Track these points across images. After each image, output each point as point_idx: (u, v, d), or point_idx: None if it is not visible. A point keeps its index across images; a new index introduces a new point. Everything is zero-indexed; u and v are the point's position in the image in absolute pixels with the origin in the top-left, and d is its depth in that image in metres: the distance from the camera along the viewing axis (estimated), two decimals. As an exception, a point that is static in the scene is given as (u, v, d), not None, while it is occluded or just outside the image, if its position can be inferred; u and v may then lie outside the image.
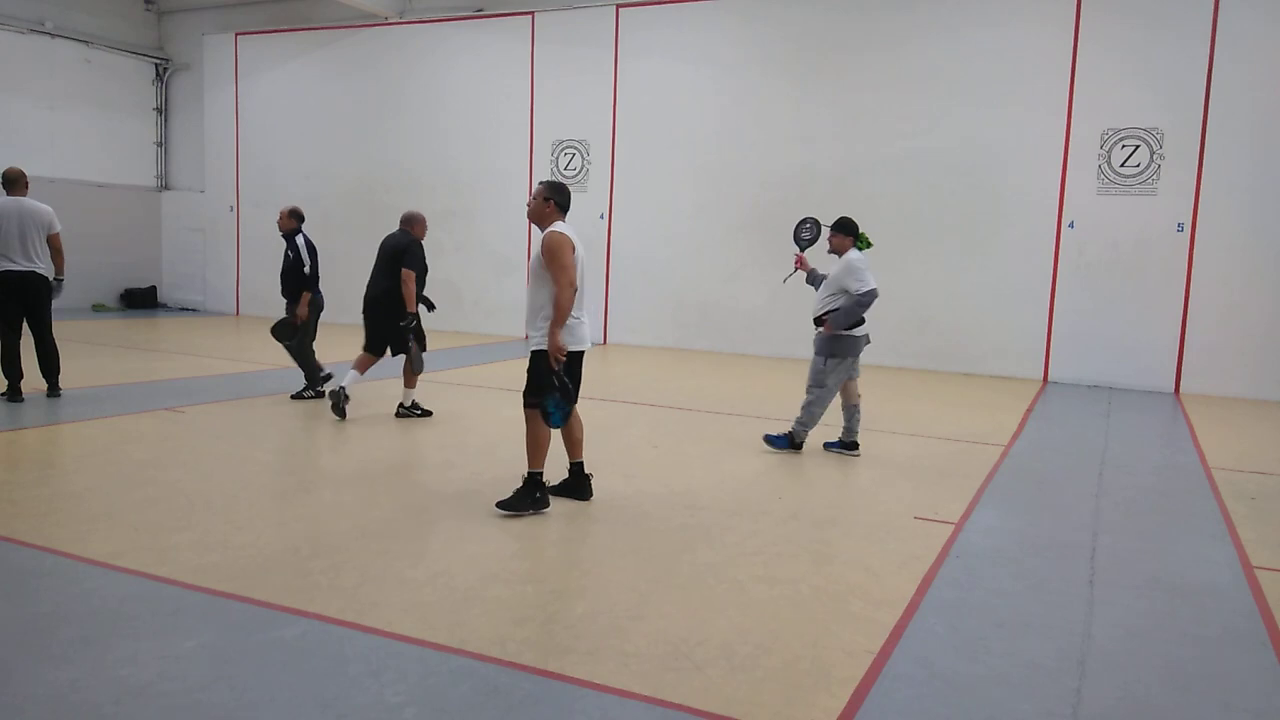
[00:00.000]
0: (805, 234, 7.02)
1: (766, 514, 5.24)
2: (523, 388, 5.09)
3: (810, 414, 6.71)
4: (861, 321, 6.56)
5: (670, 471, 6.17)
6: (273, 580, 3.92)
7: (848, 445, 6.85)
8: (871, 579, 4.24)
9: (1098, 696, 3.16)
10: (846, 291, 6.46)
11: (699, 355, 12.98)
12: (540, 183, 5.19)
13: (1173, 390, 11.01)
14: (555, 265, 4.90)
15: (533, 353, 5.04)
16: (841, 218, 6.72)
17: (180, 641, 3.30)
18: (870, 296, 6.41)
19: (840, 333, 6.49)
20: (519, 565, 4.27)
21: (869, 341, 6.69)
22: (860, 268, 6.45)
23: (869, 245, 6.75)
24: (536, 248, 5.04)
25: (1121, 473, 6.63)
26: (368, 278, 7.64)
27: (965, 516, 5.33)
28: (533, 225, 5.28)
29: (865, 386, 10.50)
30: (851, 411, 6.83)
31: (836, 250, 6.67)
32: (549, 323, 4.91)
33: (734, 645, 3.45)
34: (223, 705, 2.88)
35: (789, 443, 6.76)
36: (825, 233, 6.87)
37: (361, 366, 7.54)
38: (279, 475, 5.75)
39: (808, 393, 6.69)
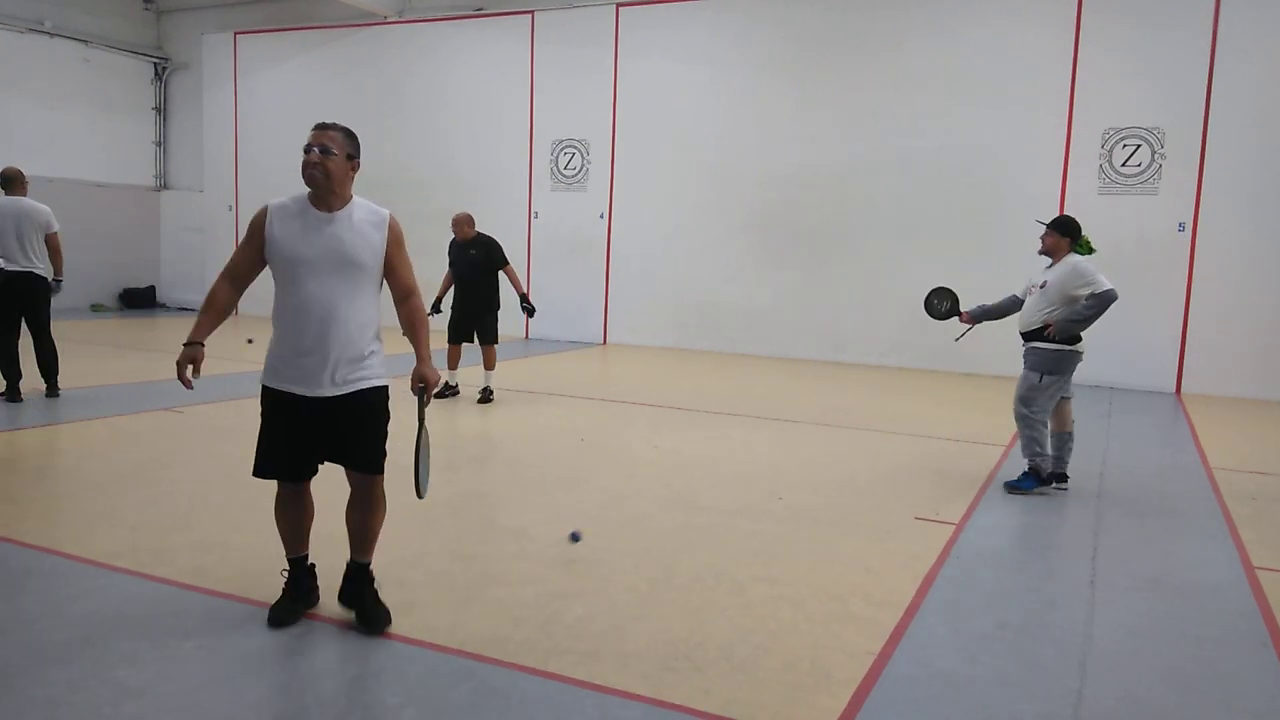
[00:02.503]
0: (941, 306, 6.45)
1: (767, 514, 5.23)
2: (367, 451, 3.54)
3: (1034, 440, 5.86)
4: (1080, 339, 5.84)
5: (670, 471, 6.16)
6: (272, 581, 3.90)
7: (1057, 477, 5.96)
8: (872, 579, 4.23)
9: (1098, 697, 3.16)
10: (1072, 300, 5.73)
11: (699, 355, 12.97)
12: (335, 127, 3.35)
13: (1174, 390, 11.00)
14: (407, 264, 3.51)
15: (376, 390, 3.46)
16: (1062, 215, 5.99)
17: (179, 642, 3.29)
18: (1112, 295, 5.65)
19: (1063, 347, 5.78)
20: (518, 566, 4.26)
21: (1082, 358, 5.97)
22: (1092, 269, 5.72)
23: (1092, 251, 5.97)
24: (361, 234, 3.35)
25: (1122, 473, 6.62)
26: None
27: (966, 517, 5.32)
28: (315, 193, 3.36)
29: (866, 386, 10.59)
30: (1064, 440, 6.00)
31: (1049, 252, 5.92)
32: (380, 344, 3.49)
33: (734, 646, 3.44)
34: (221, 706, 2.87)
35: (1038, 480, 5.87)
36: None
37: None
38: (278, 475, 5.73)
39: (1019, 419, 5.89)
